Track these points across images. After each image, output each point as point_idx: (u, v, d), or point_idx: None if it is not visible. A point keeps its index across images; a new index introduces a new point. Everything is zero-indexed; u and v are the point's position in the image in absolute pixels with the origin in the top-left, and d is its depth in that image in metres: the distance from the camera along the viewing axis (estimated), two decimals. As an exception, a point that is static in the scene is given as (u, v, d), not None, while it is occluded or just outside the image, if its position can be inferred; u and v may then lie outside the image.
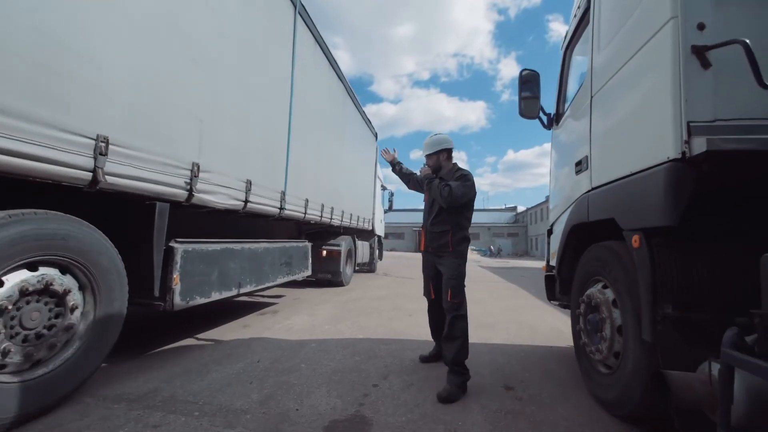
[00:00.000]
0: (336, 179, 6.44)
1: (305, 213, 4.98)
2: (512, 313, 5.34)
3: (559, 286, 3.03)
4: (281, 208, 4.22)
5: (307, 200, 4.99)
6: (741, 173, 1.60)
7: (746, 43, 1.36)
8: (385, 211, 12.93)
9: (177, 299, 2.74)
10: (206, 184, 2.94)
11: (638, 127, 1.88)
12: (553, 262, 3.25)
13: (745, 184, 1.64)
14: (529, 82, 3.32)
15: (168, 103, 2.59)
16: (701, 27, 1.55)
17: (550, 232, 3.48)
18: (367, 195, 9.54)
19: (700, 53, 1.53)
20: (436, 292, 2.84)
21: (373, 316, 4.76)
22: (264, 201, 3.82)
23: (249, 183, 3.53)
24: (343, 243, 7.34)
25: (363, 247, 9.67)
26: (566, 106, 3.26)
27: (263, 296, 6.03)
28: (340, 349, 3.29)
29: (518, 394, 2.46)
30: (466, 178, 2.70)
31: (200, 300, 3.04)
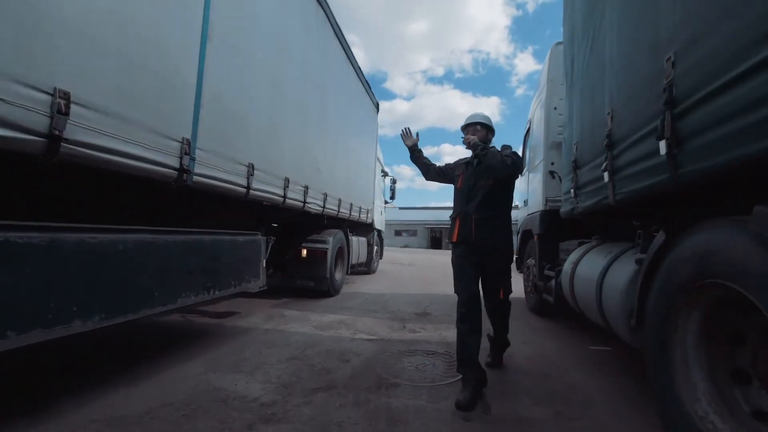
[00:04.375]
0: (314, 148, 4.70)
1: (248, 187, 3.10)
2: (503, 285, 8.26)
3: (519, 263, 5.90)
4: (184, 170, 2.32)
5: (251, 167, 3.14)
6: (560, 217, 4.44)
7: (559, 176, 4.22)
8: (386, 202, 10.78)
9: None
10: None
11: (536, 193, 4.76)
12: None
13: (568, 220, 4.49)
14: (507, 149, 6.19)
15: None
16: (552, 163, 4.41)
17: (517, 233, 6.34)
18: (365, 178, 7.60)
19: (552, 173, 4.39)
20: (475, 285, 2.45)
21: (413, 286, 7.69)
22: (126, 149, 1.91)
23: (63, 99, 1.58)
24: (331, 239, 5.53)
25: (359, 244, 7.63)
26: (525, 163, 6.10)
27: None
28: (404, 296, 6.21)
29: (495, 309, 5.35)
30: (517, 154, 2.54)
31: None
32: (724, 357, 1.53)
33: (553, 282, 3.86)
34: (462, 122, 2.85)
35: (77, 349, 2.77)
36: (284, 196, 3.84)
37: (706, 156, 1.41)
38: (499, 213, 2.54)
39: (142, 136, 2.03)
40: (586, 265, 2.91)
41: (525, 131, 6.21)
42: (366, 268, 9.08)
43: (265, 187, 3.46)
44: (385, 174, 10.34)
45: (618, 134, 2.21)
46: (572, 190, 3.02)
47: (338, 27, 5.41)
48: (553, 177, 4.38)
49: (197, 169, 2.50)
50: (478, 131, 2.66)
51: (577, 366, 2.93)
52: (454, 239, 2.58)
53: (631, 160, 2.01)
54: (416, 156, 2.92)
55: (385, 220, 11.28)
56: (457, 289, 2.47)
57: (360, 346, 3.24)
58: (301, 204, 4.34)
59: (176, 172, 2.31)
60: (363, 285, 7.57)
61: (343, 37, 5.70)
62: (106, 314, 1.89)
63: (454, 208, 2.66)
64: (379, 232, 10.01)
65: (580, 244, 3.49)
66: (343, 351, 3.08)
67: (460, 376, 2.34)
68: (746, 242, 1.23)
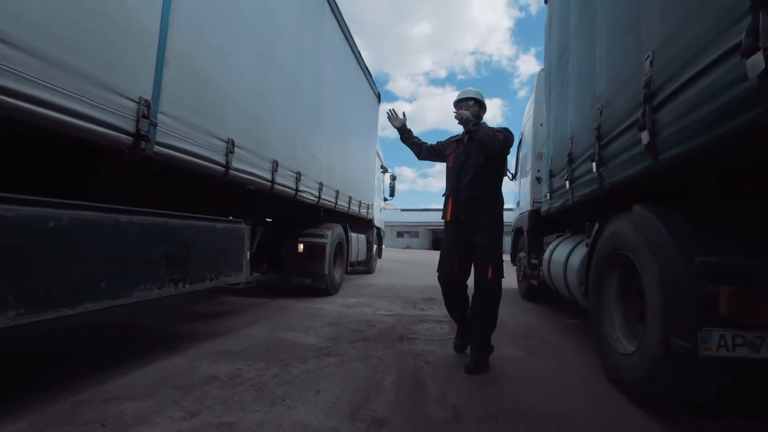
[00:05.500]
0: (308, 133, 4.46)
1: (227, 166, 2.83)
2: (500, 279, 9.10)
3: (513, 257, 6.74)
4: (141, 137, 2.02)
5: (231, 143, 2.86)
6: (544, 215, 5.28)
7: (540, 178, 5.07)
8: (386, 199, 10.45)
9: None
10: None
11: (526, 196, 5.61)
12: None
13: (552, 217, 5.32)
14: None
15: None
16: (539, 171, 5.26)
17: (512, 231, 7.18)
18: (365, 171, 7.28)
19: (538, 179, 5.23)
20: (462, 268, 2.56)
21: (418, 279, 8.53)
22: (58, 100, 1.60)
23: None
24: (330, 233, 5.17)
25: (358, 241, 7.24)
26: (517, 170, 6.94)
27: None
28: (411, 286, 7.05)
29: (491, 295, 6.20)
30: (508, 130, 2.48)
31: None
32: (632, 304, 2.37)
33: (537, 269, 4.70)
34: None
35: (181, 311, 3.63)
36: (272, 181, 3.55)
37: (617, 173, 2.26)
38: (489, 192, 2.53)
39: (82, 88, 1.69)
40: (557, 253, 3.75)
41: (518, 141, 7.06)
42: (365, 267, 8.85)
43: (249, 168, 3.16)
44: (384, 170, 10.06)
45: (575, 154, 3.06)
46: (548, 194, 3.87)
47: (337, 8, 5.07)
48: (539, 182, 5.22)
49: (160, 138, 2.17)
50: (470, 107, 2.63)
51: (553, 331, 3.76)
52: (447, 218, 2.64)
53: (581, 173, 2.86)
54: (406, 137, 2.92)
55: (387, 222, 11.09)
56: (439, 268, 2.67)
57: (381, 318, 4.08)
58: (293, 192, 4.04)
59: (131, 138, 1.96)
60: (372, 279, 8.40)
61: (343, 20, 5.32)
62: (25, 308, 1.52)
63: (447, 186, 2.69)
64: (379, 230, 9.73)
65: (557, 237, 4.32)
66: (369, 320, 3.92)
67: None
68: (629, 226, 2.07)
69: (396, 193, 10.59)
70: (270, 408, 1.84)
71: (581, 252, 3.04)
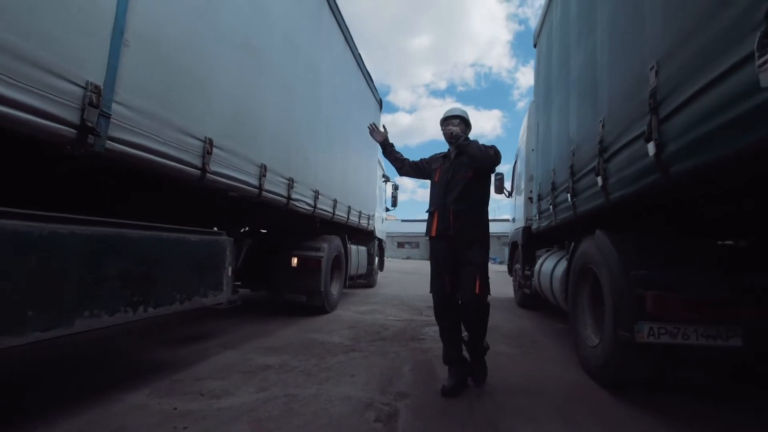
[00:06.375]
0: (303, 137, 4.17)
1: (203, 169, 2.49)
2: (499, 286, 9.63)
3: (510, 268, 7.32)
4: (88, 130, 1.68)
5: (209, 142, 2.53)
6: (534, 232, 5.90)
7: (532, 198, 5.70)
8: (387, 209, 10.28)
9: None
10: None
11: (520, 212, 6.23)
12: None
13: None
14: (498, 175, 7.67)
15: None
16: (531, 192, 5.88)
17: (508, 244, 7.77)
18: (365, 180, 7.01)
19: (530, 199, 5.86)
20: (453, 285, 2.49)
21: (421, 289, 9.01)
22: None
23: None
24: (326, 246, 4.85)
25: (358, 254, 6.90)
26: (513, 187, 7.57)
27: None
28: (416, 295, 7.63)
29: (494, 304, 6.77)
30: (496, 147, 2.50)
31: None
32: (599, 308, 2.95)
33: (530, 279, 5.28)
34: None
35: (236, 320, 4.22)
36: (260, 188, 3.22)
37: (584, 204, 2.87)
38: (476, 206, 2.53)
39: (3, 64, 1.38)
40: (546, 265, 4.35)
41: (514, 161, 7.71)
42: (366, 280, 8.36)
43: (231, 172, 2.82)
44: (386, 179, 9.79)
45: (557, 183, 3.68)
46: (537, 214, 4.48)
47: (336, 6, 4.85)
48: (531, 201, 5.84)
49: (113, 132, 1.83)
50: (456, 125, 2.65)
51: (544, 334, 4.33)
52: (433, 234, 2.56)
53: (561, 200, 3.48)
54: (388, 151, 2.90)
55: (388, 233, 10.92)
56: (432, 289, 2.57)
57: (393, 322, 4.65)
58: (285, 200, 3.71)
59: (75, 131, 1.64)
60: (378, 289, 8.97)
61: (342, 18, 5.10)
62: None
63: (431, 202, 2.64)
64: (380, 241, 9.25)
65: (546, 251, 4.92)
66: (382, 324, 4.50)
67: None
68: (593, 247, 2.68)
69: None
70: (319, 386, 2.42)
71: (563, 265, 3.64)
